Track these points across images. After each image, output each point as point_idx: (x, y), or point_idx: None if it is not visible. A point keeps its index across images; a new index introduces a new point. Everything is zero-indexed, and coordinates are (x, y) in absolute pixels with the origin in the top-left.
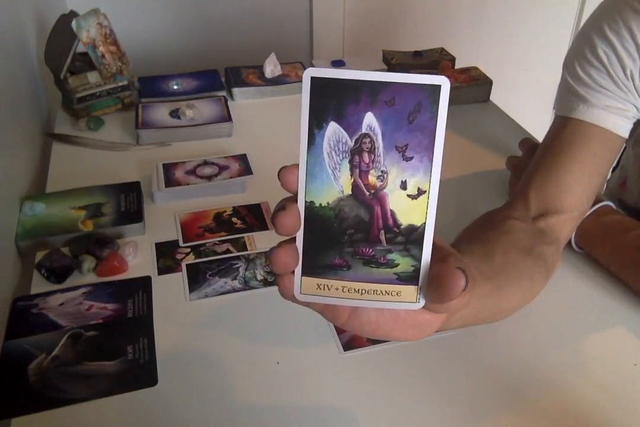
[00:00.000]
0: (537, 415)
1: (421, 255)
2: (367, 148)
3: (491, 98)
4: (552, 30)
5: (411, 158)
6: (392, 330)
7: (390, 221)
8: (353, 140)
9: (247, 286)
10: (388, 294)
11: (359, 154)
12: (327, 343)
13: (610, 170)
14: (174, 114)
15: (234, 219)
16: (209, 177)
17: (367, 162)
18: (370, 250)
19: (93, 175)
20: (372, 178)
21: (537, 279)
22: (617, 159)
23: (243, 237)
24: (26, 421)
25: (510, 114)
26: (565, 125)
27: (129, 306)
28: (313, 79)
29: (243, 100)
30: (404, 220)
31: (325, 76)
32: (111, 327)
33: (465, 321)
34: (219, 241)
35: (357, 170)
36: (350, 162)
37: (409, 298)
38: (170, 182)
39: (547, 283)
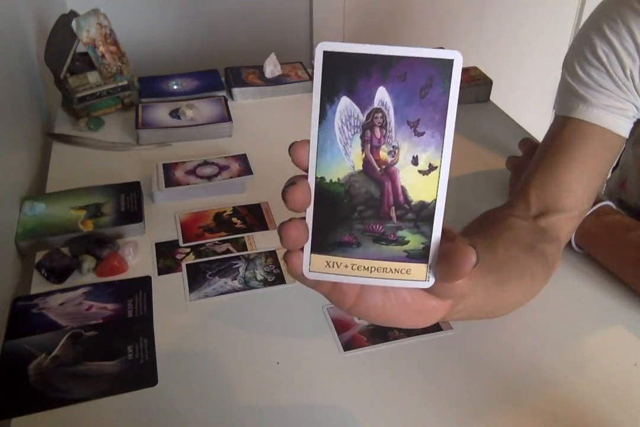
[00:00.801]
0: (537, 415)
1: (431, 232)
2: (379, 123)
3: (491, 98)
4: (552, 30)
5: (423, 133)
6: (398, 315)
7: (401, 197)
8: (365, 115)
9: (247, 286)
10: (397, 272)
11: (370, 129)
12: (327, 343)
13: (610, 170)
14: (174, 114)
15: (234, 219)
16: (209, 177)
17: (379, 137)
18: (381, 227)
19: (93, 175)
20: (383, 153)
21: (538, 276)
22: (617, 159)
23: (243, 237)
24: (26, 421)
25: (510, 114)
26: (565, 125)
27: (129, 306)
28: (325, 53)
29: (243, 100)
30: (415, 196)
31: (337, 50)
32: (111, 327)
33: (469, 312)
34: (219, 240)
35: (369, 146)
36: (362, 137)
37: (419, 276)
38: (170, 182)
39: (548, 282)
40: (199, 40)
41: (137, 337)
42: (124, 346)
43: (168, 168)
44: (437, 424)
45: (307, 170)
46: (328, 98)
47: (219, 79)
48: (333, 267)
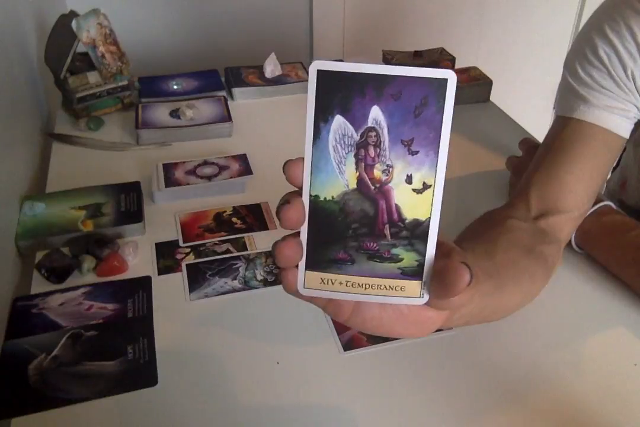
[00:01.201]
0: (537, 415)
1: (425, 250)
2: (373, 142)
3: (491, 98)
4: (552, 30)
5: (417, 152)
6: (394, 327)
7: (395, 216)
8: (359, 134)
9: (247, 286)
10: (392, 289)
11: (364, 148)
12: (327, 343)
13: (610, 170)
14: (174, 114)
15: (234, 219)
16: (209, 177)
17: (373, 156)
18: (375, 244)
19: (93, 175)
20: (377, 172)
21: (537, 278)
22: (617, 160)
23: (243, 237)
24: (26, 421)
25: (510, 114)
26: (565, 126)
27: (129, 306)
28: (319, 71)
29: (243, 100)
30: (409, 214)
31: (331, 69)
32: (111, 327)
33: (467, 319)
34: (219, 240)
35: (363, 164)
36: (356, 156)
37: (413, 293)
38: (170, 182)
39: (548, 283)
40: (199, 40)
41: (137, 337)
42: (124, 346)
43: (168, 168)
44: (437, 423)
45: (301, 188)
46: (322, 117)
47: (219, 79)
48: (328, 284)
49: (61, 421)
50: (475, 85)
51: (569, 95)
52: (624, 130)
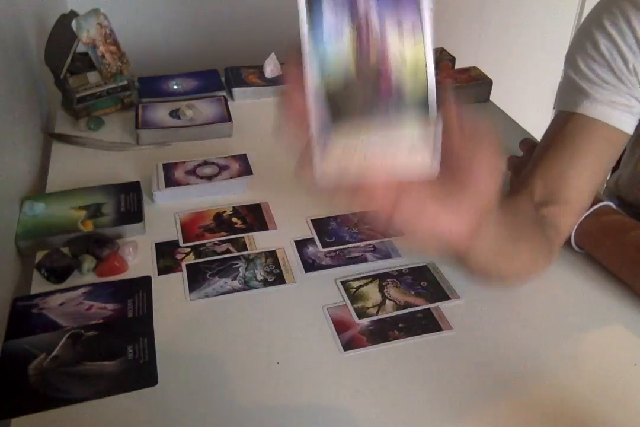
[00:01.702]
0: (537, 415)
1: (429, 114)
2: (366, 27)
3: (491, 98)
4: (552, 30)
5: (406, 29)
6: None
7: (395, 91)
8: (352, 25)
9: (247, 286)
10: (404, 161)
11: (359, 31)
12: (327, 343)
13: (613, 165)
14: (174, 114)
15: (234, 219)
16: (209, 177)
17: (368, 38)
18: (382, 119)
19: (93, 175)
20: (373, 54)
21: (540, 251)
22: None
23: (243, 237)
24: (26, 421)
25: (510, 114)
26: (568, 120)
27: (129, 306)
28: None
29: (243, 100)
30: (409, 88)
31: None
32: (111, 327)
33: (485, 253)
34: (219, 240)
35: (359, 50)
36: (352, 37)
37: (423, 164)
38: (170, 182)
39: (550, 265)
40: (199, 40)
41: (137, 337)
42: (124, 346)
43: (168, 168)
44: (437, 423)
45: (300, 83)
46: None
47: (219, 79)
48: (343, 163)
49: (61, 421)
50: (475, 85)
51: (571, 90)
52: (628, 126)
